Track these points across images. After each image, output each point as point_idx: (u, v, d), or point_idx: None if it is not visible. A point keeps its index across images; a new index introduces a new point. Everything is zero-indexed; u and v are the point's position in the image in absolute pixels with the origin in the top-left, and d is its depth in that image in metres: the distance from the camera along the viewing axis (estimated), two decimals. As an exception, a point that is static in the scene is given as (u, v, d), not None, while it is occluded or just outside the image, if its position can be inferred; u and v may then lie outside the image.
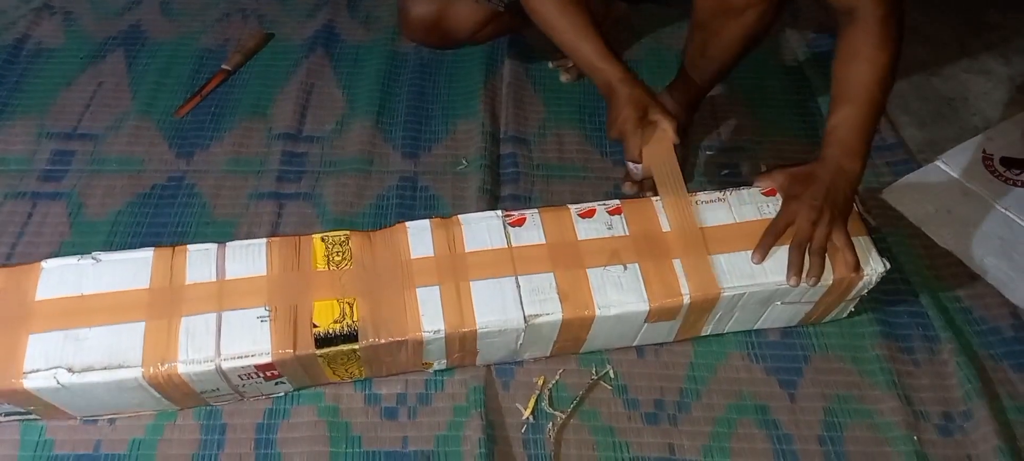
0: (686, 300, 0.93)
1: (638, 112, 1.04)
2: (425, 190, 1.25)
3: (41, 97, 1.36)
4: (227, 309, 0.90)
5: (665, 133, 1.04)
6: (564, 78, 1.46)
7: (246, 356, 0.87)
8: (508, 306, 0.92)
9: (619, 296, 0.93)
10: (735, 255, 0.96)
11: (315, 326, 0.89)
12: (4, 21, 1.50)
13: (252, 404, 0.98)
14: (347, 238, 0.97)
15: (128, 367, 0.85)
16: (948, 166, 1.29)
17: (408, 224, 0.98)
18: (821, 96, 1.44)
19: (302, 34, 1.52)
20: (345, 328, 0.89)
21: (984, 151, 1.30)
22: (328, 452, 0.94)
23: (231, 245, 0.96)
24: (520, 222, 1.00)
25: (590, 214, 1.00)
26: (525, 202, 1.24)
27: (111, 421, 0.95)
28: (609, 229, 0.99)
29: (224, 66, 1.43)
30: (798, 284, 0.93)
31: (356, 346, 0.89)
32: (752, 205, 1.02)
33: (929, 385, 1.03)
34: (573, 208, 1.01)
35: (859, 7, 0.95)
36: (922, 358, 1.06)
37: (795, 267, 0.93)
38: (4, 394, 0.85)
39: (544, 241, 0.98)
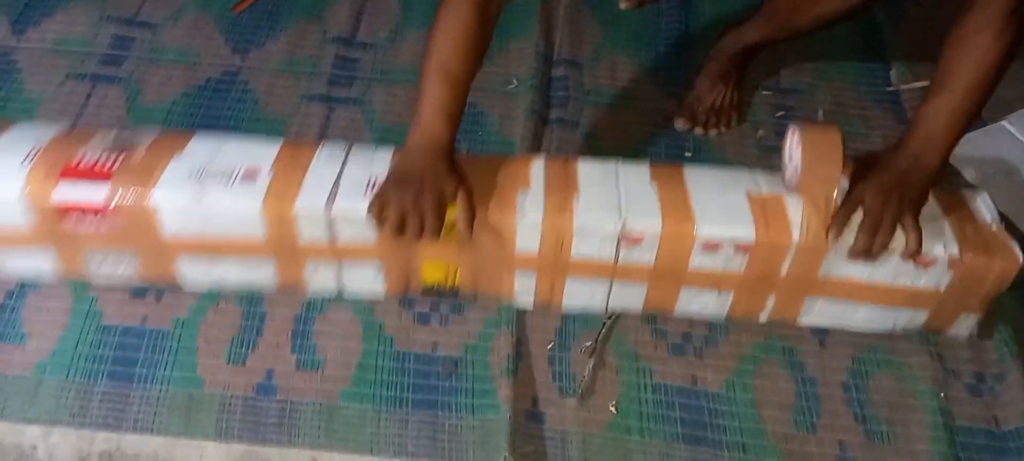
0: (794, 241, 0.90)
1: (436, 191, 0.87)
2: (473, 106, 1.25)
3: (98, -9, 1.39)
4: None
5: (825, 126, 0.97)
6: (623, 5, 1.44)
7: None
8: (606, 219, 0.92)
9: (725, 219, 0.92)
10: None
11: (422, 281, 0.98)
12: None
13: (291, 297, 1.01)
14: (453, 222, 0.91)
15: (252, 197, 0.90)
16: (1015, 128, 1.24)
17: (518, 221, 0.92)
18: (891, 49, 1.38)
19: (363, -62, 1.51)
20: (448, 286, 0.99)
21: (1055, 115, 1.25)
22: (360, 349, 0.98)
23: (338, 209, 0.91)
24: (637, 241, 0.92)
25: (714, 247, 0.92)
26: (573, 127, 1.24)
27: (157, 298, 1.00)
28: (725, 265, 0.94)
29: (283, -35, 1.43)
30: (863, 259, 0.90)
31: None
32: (888, 270, 0.93)
33: (964, 345, 1.01)
34: (699, 236, 0.91)
35: None
36: (961, 318, 1.04)
37: (863, 244, 0.88)
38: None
39: (653, 264, 0.94)
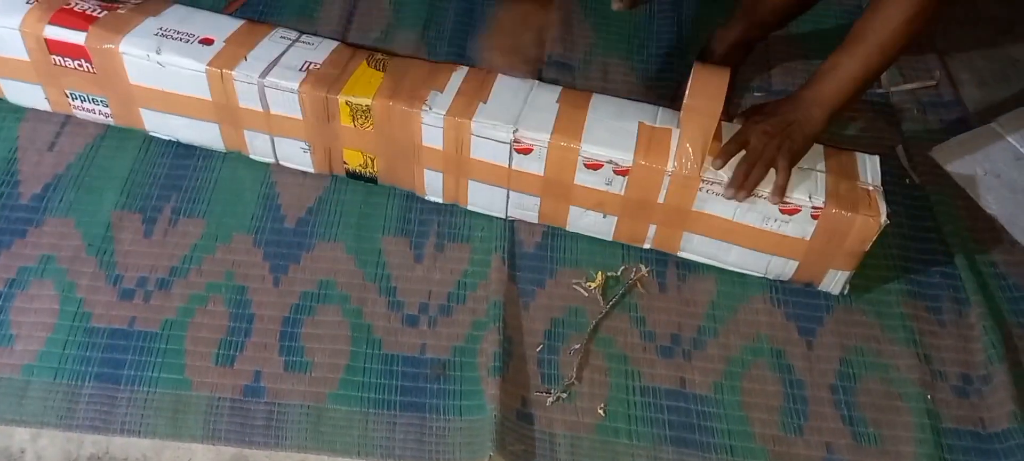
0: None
1: None
2: (464, 107, 1.25)
3: None
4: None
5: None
6: (616, 5, 1.43)
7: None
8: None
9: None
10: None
11: (345, 163, 1.11)
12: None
13: (279, 298, 1.01)
14: (369, 107, 1.03)
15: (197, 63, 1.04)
16: (1003, 129, 1.24)
17: (423, 114, 1.01)
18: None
19: (354, -61, 1.51)
20: (367, 172, 1.11)
21: (1044, 117, 1.25)
22: (348, 351, 0.98)
23: (269, 81, 1.04)
24: (526, 151, 1.01)
25: (596, 167, 1.00)
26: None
27: (145, 300, 1.00)
28: (607, 185, 1.01)
29: (275, -34, 1.43)
30: (734, 195, 0.95)
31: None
32: (757, 213, 0.99)
33: (952, 346, 1.02)
34: (582, 152, 0.99)
35: None
36: (949, 319, 1.04)
37: (737, 180, 0.95)
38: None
39: (542, 174, 1.03)
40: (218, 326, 0.98)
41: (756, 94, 1.31)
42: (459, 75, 1.07)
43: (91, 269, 1.02)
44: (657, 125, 1.02)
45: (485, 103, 1.03)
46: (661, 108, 1.05)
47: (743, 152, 0.97)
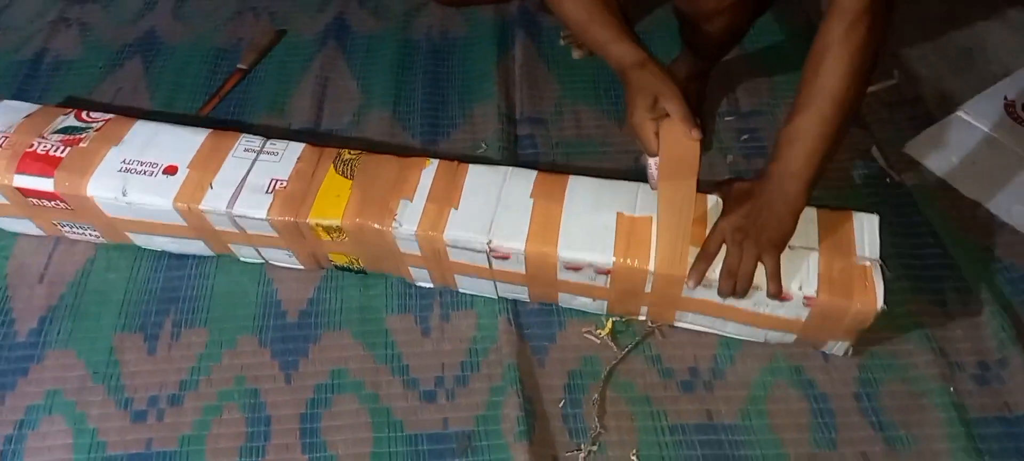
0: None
1: (647, 101, 0.92)
2: (447, 175, 1.25)
3: (63, 108, 1.37)
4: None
5: (682, 130, 0.91)
6: (576, 54, 1.46)
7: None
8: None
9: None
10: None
11: (332, 261, 1.10)
12: (21, 36, 1.52)
13: (294, 395, 1.00)
14: (339, 226, 1.01)
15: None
16: (970, 116, 1.28)
17: (395, 230, 0.99)
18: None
19: (313, 28, 1.53)
20: (355, 267, 1.10)
21: (1006, 99, 1.29)
22: (371, 438, 0.96)
23: (237, 211, 1.02)
24: (504, 257, 0.98)
25: (577, 268, 0.98)
26: (547, 180, 1.24)
27: (159, 418, 0.98)
28: (591, 281, 0.99)
29: (240, 66, 1.44)
30: (728, 296, 0.91)
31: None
32: (749, 299, 0.94)
33: (963, 336, 1.03)
34: (560, 257, 0.96)
35: None
36: (954, 310, 1.06)
37: (725, 288, 0.89)
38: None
39: (524, 273, 1.01)
40: (236, 434, 0.97)
41: (727, 118, 1.33)
42: (429, 174, 1.04)
43: (99, 397, 0.99)
44: (636, 215, 0.97)
45: (456, 209, 1.00)
46: (640, 188, 1.00)
47: (724, 248, 0.91)
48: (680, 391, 1.00)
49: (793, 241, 0.91)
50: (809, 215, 0.96)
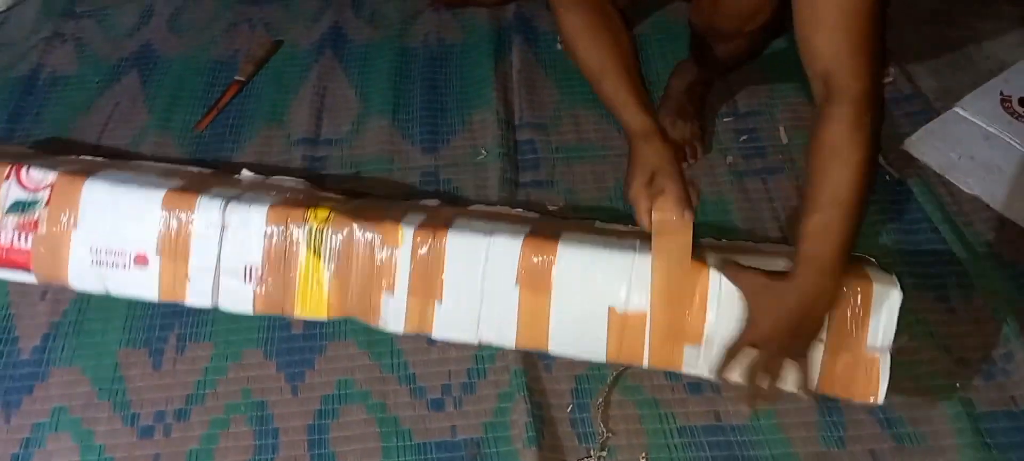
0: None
1: (646, 176, 0.91)
2: (448, 182, 1.25)
3: (61, 124, 1.37)
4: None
5: (675, 211, 0.90)
6: (574, 59, 1.46)
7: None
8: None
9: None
10: None
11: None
12: (16, 53, 1.51)
13: (301, 407, 0.99)
14: (326, 319, 1.03)
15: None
16: (967, 112, 1.29)
17: (381, 326, 1.01)
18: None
19: (310, 38, 1.53)
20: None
21: (1002, 94, 1.30)
22: (380, 448, 0.96)
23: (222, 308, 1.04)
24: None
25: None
26: (548, 186, 1.25)
27: (166, 434, 0.97)
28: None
29: (237, 77, 1.44)
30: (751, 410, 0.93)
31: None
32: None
33: (968, 331, 1.04)
34: (551, 353, 0.98)
35: (834, 73, 0.83)
36: (958, 306, 1.06)
37: (750, 398, 0.89)
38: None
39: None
40: (245, 447, 0.96)
41: (726, 119, 1.34)
42: (405, 255, 0.98)
43: (106, 413, 0.99)
44: (630, 310, 0.94)
45: (441, 302, 0.98)
46: (634, 278, 0.94)
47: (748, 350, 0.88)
48: (688, 393, 1.00)
49: None
50: None
